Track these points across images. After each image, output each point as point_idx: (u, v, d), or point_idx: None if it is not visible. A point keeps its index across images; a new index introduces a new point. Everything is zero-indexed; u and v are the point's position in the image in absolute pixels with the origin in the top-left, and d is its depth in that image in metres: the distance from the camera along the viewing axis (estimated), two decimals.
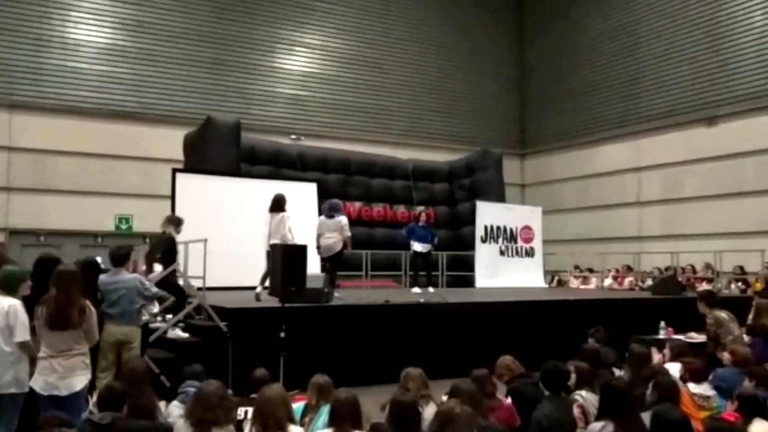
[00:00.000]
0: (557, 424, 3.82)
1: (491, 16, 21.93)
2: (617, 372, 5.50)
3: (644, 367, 5.09)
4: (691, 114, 17.09)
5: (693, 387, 4.77)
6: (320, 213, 10.67)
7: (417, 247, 11.75)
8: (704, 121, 16.78)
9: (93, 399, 4.26)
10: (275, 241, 8.56)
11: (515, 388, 4.87)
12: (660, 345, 7.15)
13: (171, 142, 14.92)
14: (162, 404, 4.55)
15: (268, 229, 9.01)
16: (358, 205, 15.36)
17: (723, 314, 7.50)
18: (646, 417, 3.78)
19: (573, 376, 4.58)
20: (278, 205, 9.13)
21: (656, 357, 6.39)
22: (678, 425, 3.60)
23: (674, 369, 5.26)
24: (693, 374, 4.89)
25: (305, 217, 11.08)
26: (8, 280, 4.71)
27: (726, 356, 5.90)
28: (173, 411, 4.43)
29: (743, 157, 15.70)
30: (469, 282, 14.31)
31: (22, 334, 4.50)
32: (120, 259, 6.13)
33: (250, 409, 4.07)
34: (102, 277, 6.01)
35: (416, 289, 11.66)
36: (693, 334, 8.26)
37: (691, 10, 17.28)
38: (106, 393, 3.95)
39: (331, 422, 3.73)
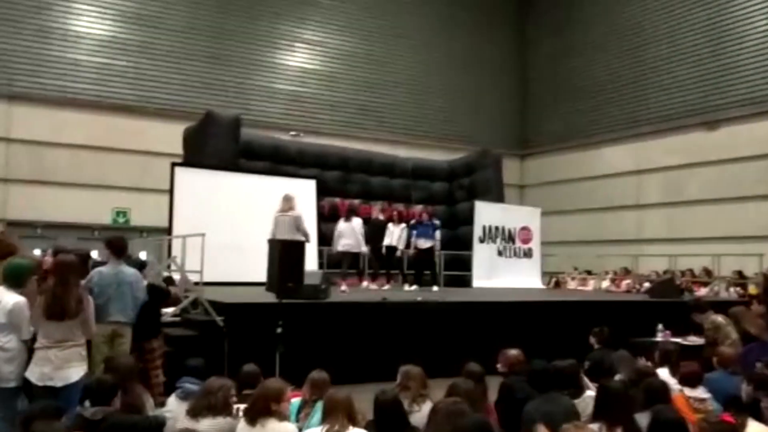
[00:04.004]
0: (547, 415, 3.82)
1: (494, 15, 21.92)
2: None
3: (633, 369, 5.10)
4: (692, 117, 17.07)
5: (688, 391, 4.75)
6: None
7: (419, 243, 11.79)
8: (706, 124, 16.78)
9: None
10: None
11: (507, 383, 4.85)
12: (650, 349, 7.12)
13: (170, 135, 14.89)
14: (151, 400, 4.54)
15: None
16: (356, 202, 15.32)
17: (720, 318, 7.51)
18: (641, 418, 3.77)
19: None
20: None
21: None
22: (675, 425, 3.61)
23: (663, 374, 5.23)
24: (688, 378, 4.88)
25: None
26: (14, 274, 4.60)
27: (715, 359, 5.90)
28: (171, 405, 4.40)
29: (744, 161, 15.69)
30: (466, 282, 14.28)
31: (28, 333, 4.50)
32: (123, 250, 6.03)
33: (241, 406, 4.05)
34: (104, 269, 5.83)
35: (414, 287, 11.64)
36: (693, 338, 8.26)
37: (694, 15, 17.27)
38: (96, 386, 3.92)
39: (324, 419, 3.73)
